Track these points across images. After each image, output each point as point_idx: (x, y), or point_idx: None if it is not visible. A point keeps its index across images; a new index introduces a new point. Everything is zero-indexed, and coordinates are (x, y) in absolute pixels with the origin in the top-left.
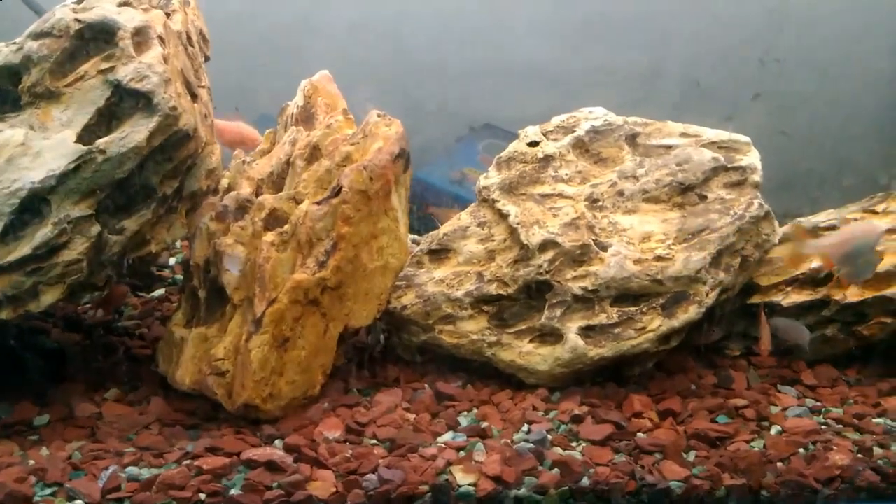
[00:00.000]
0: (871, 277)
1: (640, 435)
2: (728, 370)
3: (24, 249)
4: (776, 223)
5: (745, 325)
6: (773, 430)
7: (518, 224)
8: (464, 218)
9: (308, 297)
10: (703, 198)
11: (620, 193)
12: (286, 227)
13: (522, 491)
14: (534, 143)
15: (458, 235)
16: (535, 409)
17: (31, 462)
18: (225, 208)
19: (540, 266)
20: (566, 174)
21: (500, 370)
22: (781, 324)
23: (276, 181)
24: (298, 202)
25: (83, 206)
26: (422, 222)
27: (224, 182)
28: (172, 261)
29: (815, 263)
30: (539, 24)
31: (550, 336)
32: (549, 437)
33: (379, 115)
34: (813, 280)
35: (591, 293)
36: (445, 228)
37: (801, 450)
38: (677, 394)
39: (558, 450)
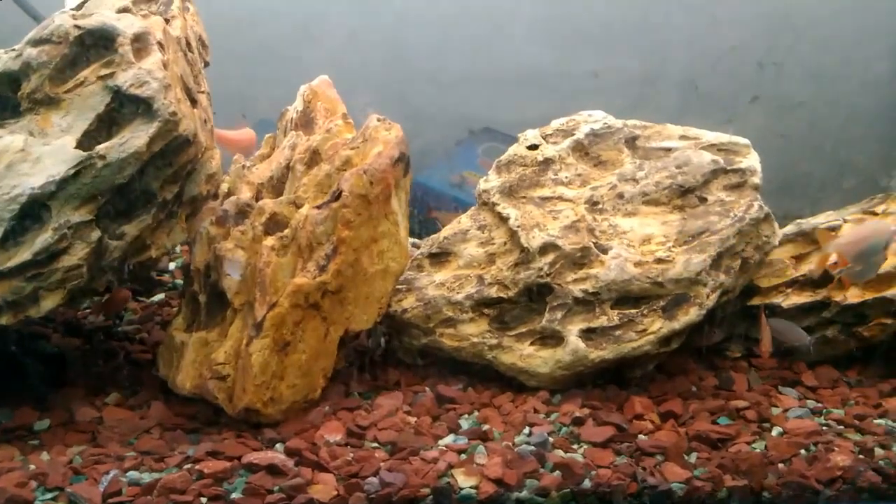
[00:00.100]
0: (873, 278)
1: (641, 437)
2: (729, 372)
3: (24, 255)
4: (776, 225)
5: (745, 326)
6: (775, 432)
7: (518, 227)
8: (464, 221)
9: (309, 301)
10: (703, 200)
11: (620, 196)
12: (286, 231)
13: (524, 493)
14: (533, 147)
15: (458, 239)
16: (536, 411)
17: (32, 467)
18: (225, 213)
19: (540, 269)
20: (566, 177)
21: (501, 373)
22: (779, 325)
23: (276, 186)
24: (298, 206)
25: (83, 212)
26: (422, 226)
27: (224, 187)
28: (173, 265)
29: (832, 259)
30: (538, 29)
31: (551, 338)
32: (551, 439)
33: (379, 120)
34: (813, 281)
35: (591, 296)
36: (446, 232)
37: (803, 451)
38: (678, 395)
39: (560, 452)
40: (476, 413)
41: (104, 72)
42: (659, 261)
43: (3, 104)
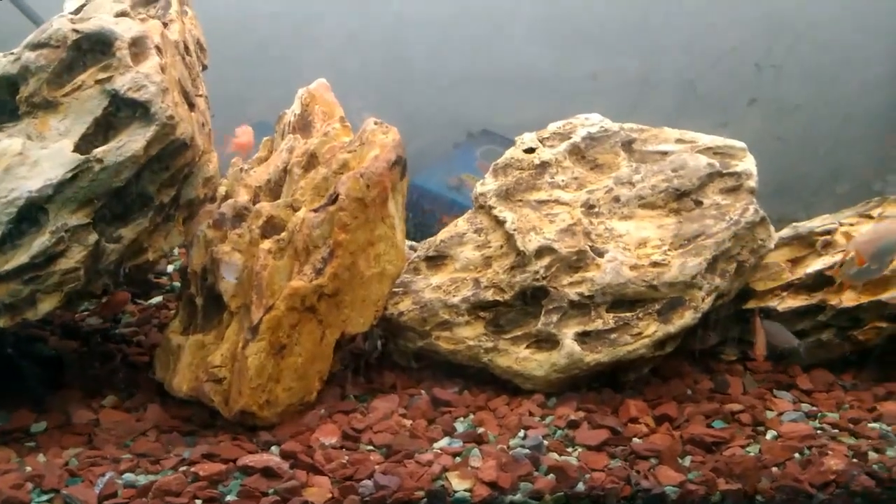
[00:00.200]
0: (869, 282)
1: (635, 440)
2: (724, 375)
3: (21, 258)
4: (772, 229)
5: (740, 330)
6: (769, 435)
7: (514, 230)
8: (460, 224)
9: (305, 304)
10: (699, 203)
11: (616, 199)
12: (283, 234)
13: (518, 496)
14: (530, 150)
15: (454, 242)
16: (531, 414)
17: (28, 469)
18: (222, 216)
19: (536, 272)
20: (562, 180)
21: (497, 376)
22: (770, 328)
23: (274, 189)
24: (295, 210)
25: (80, 215)
26: (419, 229)
27: (221, 190)
28: (170, 268)
29: (850, 256)
30: (536, 31)
31: (547, 342)
32: (546, 442)
33: (376, 123)
34: (808, 285)
35: (587, 299)
36: (442, 235)
37: (797, 454)
38: (673, 399)
39: (554, 455)
40: (471, 416)
41: (102, 75)
42: (654, 264)
43: (2, 108)
